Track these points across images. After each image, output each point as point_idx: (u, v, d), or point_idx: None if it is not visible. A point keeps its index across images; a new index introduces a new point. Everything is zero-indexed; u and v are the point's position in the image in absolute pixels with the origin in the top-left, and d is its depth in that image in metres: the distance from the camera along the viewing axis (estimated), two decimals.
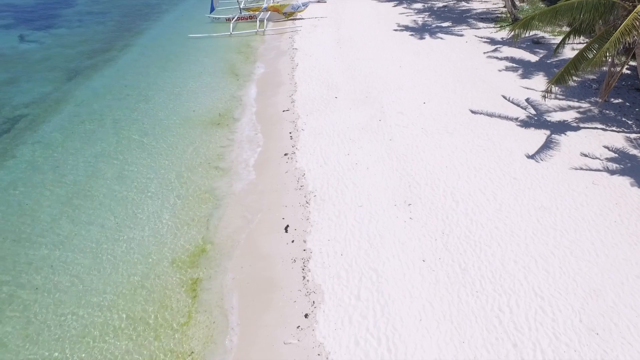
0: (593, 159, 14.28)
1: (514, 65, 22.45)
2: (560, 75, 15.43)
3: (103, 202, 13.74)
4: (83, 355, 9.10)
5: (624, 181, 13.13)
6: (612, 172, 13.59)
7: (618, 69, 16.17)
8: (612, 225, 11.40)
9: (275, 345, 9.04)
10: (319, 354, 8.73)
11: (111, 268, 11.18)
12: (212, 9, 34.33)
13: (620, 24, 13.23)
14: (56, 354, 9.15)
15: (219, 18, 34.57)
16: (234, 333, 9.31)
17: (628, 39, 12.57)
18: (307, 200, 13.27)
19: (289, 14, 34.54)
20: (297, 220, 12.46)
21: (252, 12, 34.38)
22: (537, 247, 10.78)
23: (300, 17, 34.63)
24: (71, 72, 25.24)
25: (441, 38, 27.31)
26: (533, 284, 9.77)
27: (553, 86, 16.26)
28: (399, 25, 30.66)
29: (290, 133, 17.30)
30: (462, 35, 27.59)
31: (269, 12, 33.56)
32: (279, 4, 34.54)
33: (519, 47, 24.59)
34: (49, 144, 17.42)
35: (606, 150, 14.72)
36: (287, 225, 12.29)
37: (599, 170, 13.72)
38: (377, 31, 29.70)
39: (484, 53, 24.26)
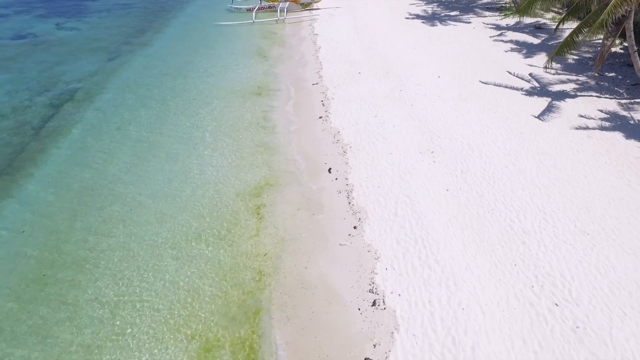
0: (588, 118, 16.59)
1: (518, 47, 24.76)
2: (559, 49, 17.76)
3: (168, 153, 16.00)
4: (176, 253, 11.35)
5: (615, 135, 15.44)
6: (604, 129, 15.89)
7: (609, 45, 18.48)
8: (603, 165, 13.71)
9: (332, 246, 11.34)
10: (368, 251, 11.04)
11: (183, 200, 13.40)
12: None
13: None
14: (148, 254, 11.38)
15: (240, 8, 36.90)
16: (303, 253, 11.48)
17: (620, 10, 14.84)
18: (344, 150, 15.57)
19: (306, 5, 36.86)
20: (338, 164, 14.77)
21: (271, 3, 36.68)
22: (541, 179, 13.09)
23: (316, 7, 36.95)
24: (111, 53, 27.54)
25: (450, 25, 29.65)
26: (537, 203, 12.08)
27: (553, 59, 18.59)
28: (410, 14, 33.01)
29: (321, 101, 19.61)
30: (469, 23, 29.92)
31: (288, 2, 35.83)
32: None
33: (523, 32, 26.97)
34: (107, 109, 19.70)
35: (600, 112, 17.03)
36: (330, 168, 14.60)
37: (593, 127, 16.02)
38: (391, 19, 32.02)
39: (490, 37, 26.59)
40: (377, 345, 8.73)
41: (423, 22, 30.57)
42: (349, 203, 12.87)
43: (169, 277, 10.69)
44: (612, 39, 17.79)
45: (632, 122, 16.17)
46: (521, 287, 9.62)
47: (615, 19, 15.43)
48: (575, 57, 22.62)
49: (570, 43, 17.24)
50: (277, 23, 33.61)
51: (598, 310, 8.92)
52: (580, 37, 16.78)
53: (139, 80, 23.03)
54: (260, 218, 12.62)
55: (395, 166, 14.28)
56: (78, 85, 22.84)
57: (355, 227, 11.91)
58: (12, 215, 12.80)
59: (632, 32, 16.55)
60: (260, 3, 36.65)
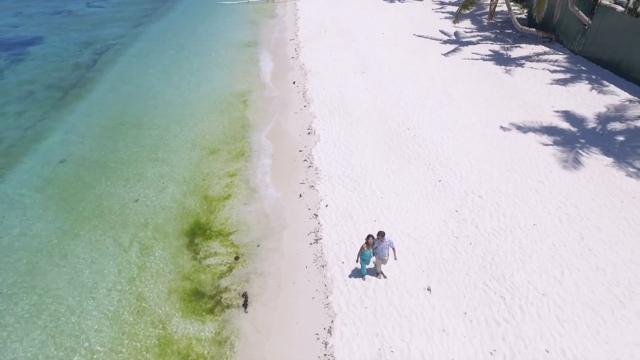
0: (478, 54, 23.85)
1: (452, 15, 31.94)
2: (461, 6, 25.02)
3: (182, 74, 23.27)
4: (194, 118, 18.58)
5: (489, 62, 22.70)
6: (484, 60, 23.15)
7: (494, 4, 25.72)
8: (473, 76, 20.98)
9: (289, 114, 18.61)
10: (310, 115, 18.31)
11: (199, 96, 20.65)
12: None
13: None
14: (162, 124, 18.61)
15: None
16: (272, 118, 18.79)
17: None
18: (305, 73, 22.84)
19: None
20: (300, 80, 22.05)
21: None
22: (427, 82, 20.36)
23: None
24: (135, 22, 34.77)
25: (406, 2, 36.90)
26: (419, 91, 19.36)
27: (459, 16, 25.81)
28: None
29: (295, 49, 26.88)
30: (421, 0, 37.18)
31: None
32: None
33: (458, 5, 34.15)
34: (138, 55, 26.97)
35: (487, 51, 24.30)
36: (294, 81, 21.89)
37: (477, 59, 23.27)
38: None
39: (433, 9, 33.86)
40: (306, 147, 16.01)
41: (384, 1, 37.82)
42: (304, 96, 20.15)
43: (190, 127, 17.99)
44: (496, 3, 25.04)
45: (505, 56, 23.44)
46: (392, 124, 16.89)
47: None
48: (491, 22, 29.87)
49: (467, 1, 24.51)
50: (267, 3, 40.82)
51: (431, 130, 16.21)
52: None
53: (159, 38, 30.28)
54: (245, 104, 19.94)
55: (337, 79, 21.57)
56: (112, 42, 30.10)
57: (305, 106, 19.17)
58: (88, 105, 20.18)
59: None
60: None
